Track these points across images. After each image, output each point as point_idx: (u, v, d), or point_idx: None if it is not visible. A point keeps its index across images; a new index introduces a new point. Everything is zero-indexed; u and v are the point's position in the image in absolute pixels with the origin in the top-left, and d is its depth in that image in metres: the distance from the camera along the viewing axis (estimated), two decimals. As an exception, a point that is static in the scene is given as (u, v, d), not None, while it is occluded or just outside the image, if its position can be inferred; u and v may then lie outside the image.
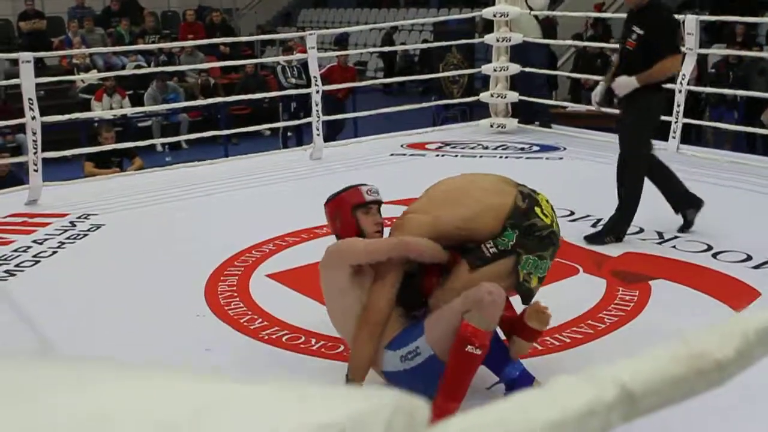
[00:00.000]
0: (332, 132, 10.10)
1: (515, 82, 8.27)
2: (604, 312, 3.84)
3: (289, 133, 11.20)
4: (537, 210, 3.04)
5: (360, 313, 2.94)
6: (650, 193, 5.98)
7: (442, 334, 2.85)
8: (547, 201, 3.16)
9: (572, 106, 9.68)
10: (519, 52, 8.04)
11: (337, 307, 3.05)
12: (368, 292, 2.95)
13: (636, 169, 4.82)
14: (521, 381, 2.94)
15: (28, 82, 5.89)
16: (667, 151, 6.89)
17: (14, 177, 7.40)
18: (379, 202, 3.17)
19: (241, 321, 3.85)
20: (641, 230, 5.04)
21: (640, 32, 4.64)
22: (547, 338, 3.53)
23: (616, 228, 4.83)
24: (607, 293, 4.08)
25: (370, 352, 2.92)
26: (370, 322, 2.91)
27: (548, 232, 3.05)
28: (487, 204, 3.05)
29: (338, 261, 3.00)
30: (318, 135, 7.33)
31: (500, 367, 2.97)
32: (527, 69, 7.97)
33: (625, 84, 4.68)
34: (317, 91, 7.30)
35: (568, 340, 3.54)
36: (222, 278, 4.40)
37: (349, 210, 3.10)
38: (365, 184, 3.19)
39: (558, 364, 3.32)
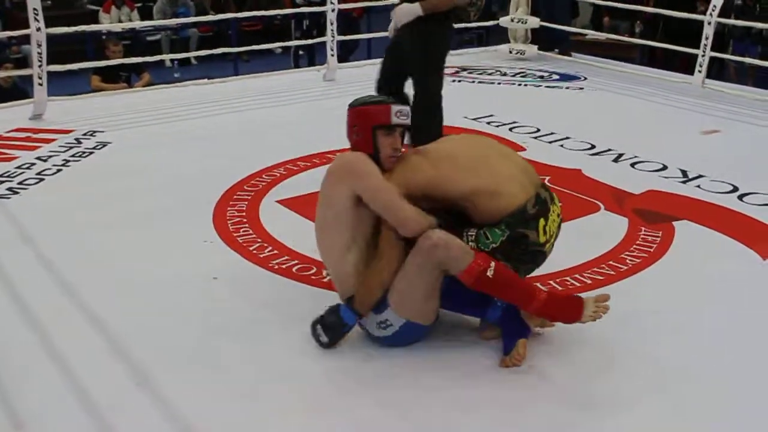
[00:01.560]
0: (344, 52, 9.82)
1: (536, 6, 7.99)
2: (626, 253, 3.70)
3: (300, 52, 10.94)
4: (540, 222, 2.85)
5: (341, 245, 2.84)
6: (673, 127, 5.81)
7: (408, 299, 2.77)
8: (559, 215, 2.98)
9: (593, 34, 9.43)
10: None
11: (320, 216, 2.93)
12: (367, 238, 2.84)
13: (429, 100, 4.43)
14: (508, 316, 2.84)
15: (32, -9, 5.66)
16: (692, 85, 6.68)
17: (19, 89, 7.20)
18: (405, 126, 2.98)
19: (250, 249, 3.72)
20: (664, 167, 4.88)
21: None
22: (567, 278, 3.42)
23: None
24: (629, 233, 3.93)
25: (377, 297, 2.81)
26: (384, 275, 2.78)
27: (536, 250, 2.89)
28: (500, 187, 2.84)
29: (344, 177, 2.85)
30: (332, 55, 7.12)
31: (483, 312, 2.87)
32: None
33: (407, 11, 4.30)
34: (332, 10, 7.05)
35: (589, 282, 3.41)
36: (231, 203, 4.26)
37: (370, 126, 2.92)
38: (397, 104, 2.98)
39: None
